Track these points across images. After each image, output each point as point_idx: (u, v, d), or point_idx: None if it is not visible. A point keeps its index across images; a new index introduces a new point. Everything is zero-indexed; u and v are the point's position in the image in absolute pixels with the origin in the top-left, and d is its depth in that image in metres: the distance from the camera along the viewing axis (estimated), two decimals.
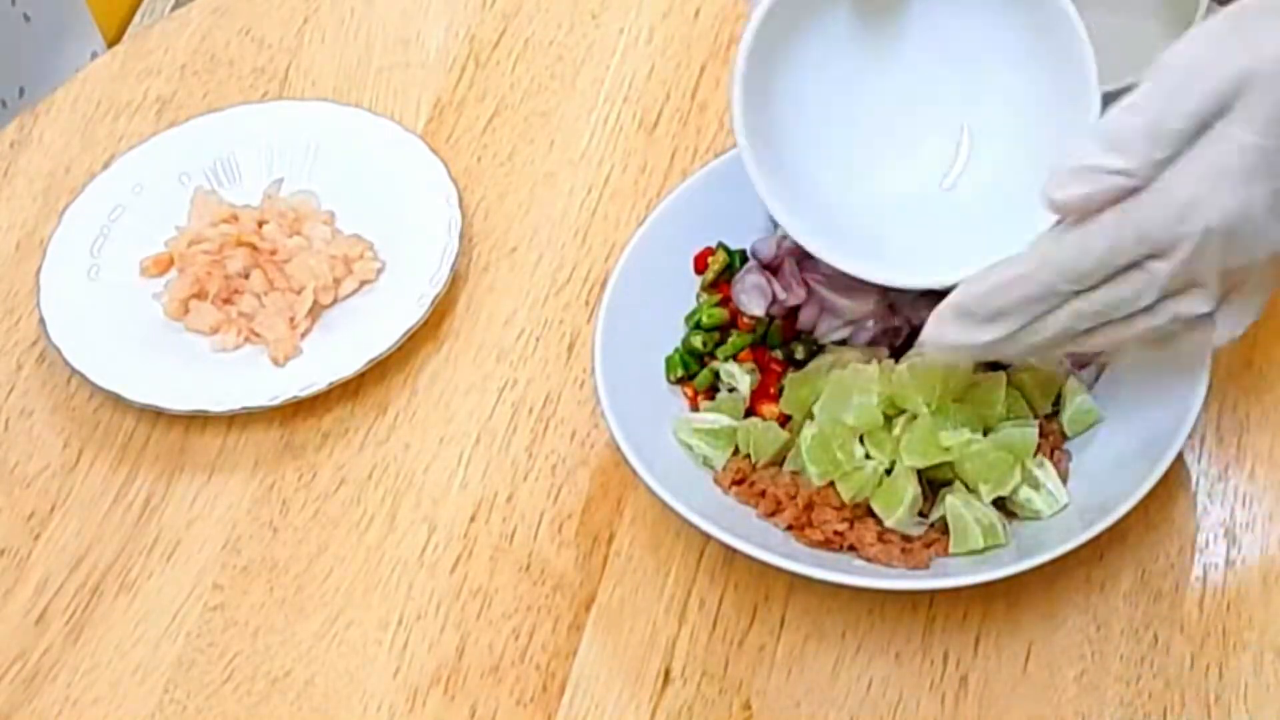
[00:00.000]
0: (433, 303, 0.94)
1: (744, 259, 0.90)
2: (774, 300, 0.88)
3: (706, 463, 0.85)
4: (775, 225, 0.91)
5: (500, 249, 0.99)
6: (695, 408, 0.87)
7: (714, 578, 0.85)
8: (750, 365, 0.87)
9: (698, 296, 0.91)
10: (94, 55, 1.91)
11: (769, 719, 0.81)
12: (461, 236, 0.96)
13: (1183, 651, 0.81)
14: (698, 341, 0.88)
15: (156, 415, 0.93)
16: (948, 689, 0.81)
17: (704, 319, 0.89)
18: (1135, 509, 0.79)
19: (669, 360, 0.89)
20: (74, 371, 0.93)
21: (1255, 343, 0.90)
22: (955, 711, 0.80)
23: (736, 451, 0.86)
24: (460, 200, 0.98)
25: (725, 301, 0.89)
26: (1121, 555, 0.84)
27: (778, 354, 0.88)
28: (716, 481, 0.85)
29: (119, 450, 0.93)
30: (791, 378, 0.86)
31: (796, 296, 0.87)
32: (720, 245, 0.91)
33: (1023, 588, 0.83)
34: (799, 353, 0.88)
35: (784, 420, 0.86)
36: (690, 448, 0.86)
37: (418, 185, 0.99)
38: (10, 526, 0.91)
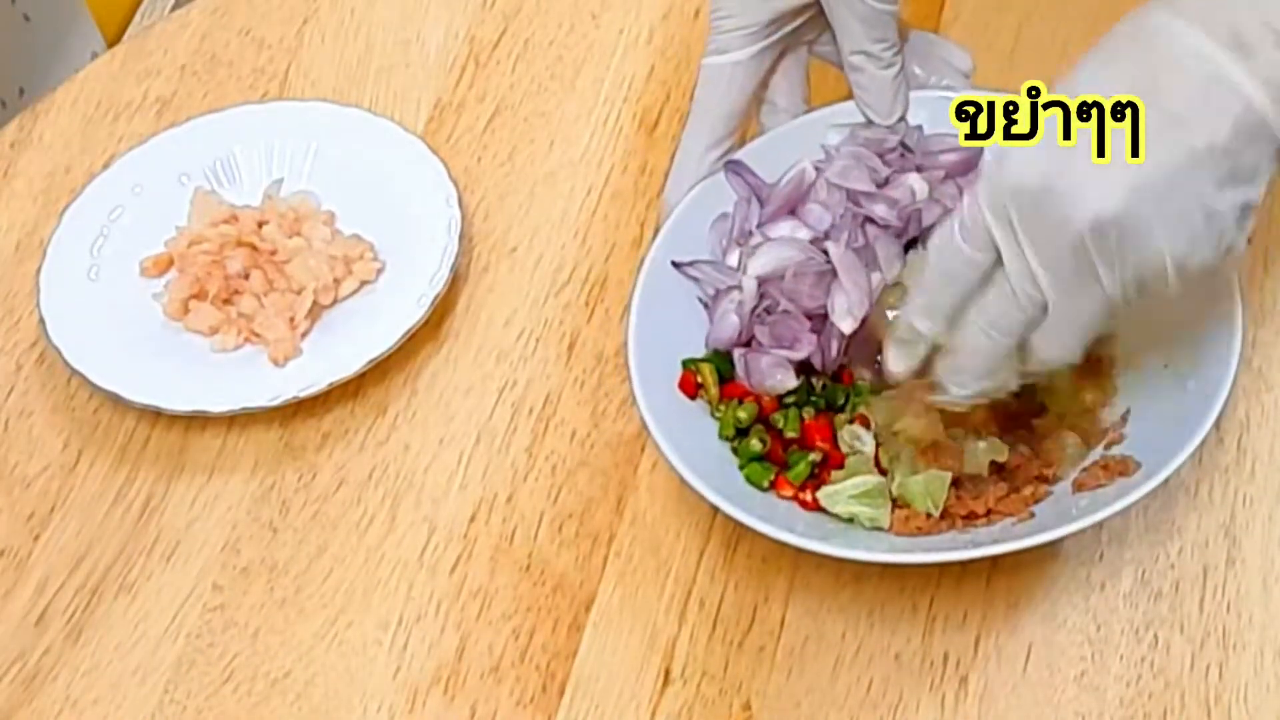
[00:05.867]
0: (433, 303, 0.94)
1: (725, 361, 0.87)
2: (796, 362, 0.86)
3: (874, 524, 0.82)
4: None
5: (500, 249, 0.99)
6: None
7: (714, 578, 0.85)
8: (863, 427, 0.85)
9: (714, 413, 0.87)
10: (94, 55, 1.91)
11: (769, 719, 0.81)
12: (461, 236, 0.96)
13: (1183, 651, 0.81)
14: (757, 448, 0.84)
15: (156, 415, 0.93)
16: (947, 690, 0.81)
17: (739, 424, 0.85)
18: (1135, 509, 0.79)
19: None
20: (74, 372, 0.93)
21: (1255, 343, 0.90)
22: (955, 712, 0.80)
23: (894, 504, 0.83)
24: (460, 200, 0.98)
25: (745, 397, 0.86)
26: (1121, 555, 0.84)
27: (864, 374, 0.86)
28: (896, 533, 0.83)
29: (119, 450, 0.93)
30: (877, 402, 0.85)
31: (809, 344, 0.86)
32: (692, 361, 0.87)
33: (1023, 588, 0.83)
34: (865, 376, 0.86)
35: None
36: (853, 519, 0.83)
37: (418, 185, 0.99)
38: (10, 526, 0.91)
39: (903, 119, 0.92)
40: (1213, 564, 0.83)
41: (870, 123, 0.91)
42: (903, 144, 0.91)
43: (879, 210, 0.88)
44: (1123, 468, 0.81)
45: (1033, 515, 0.81)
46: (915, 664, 0.82)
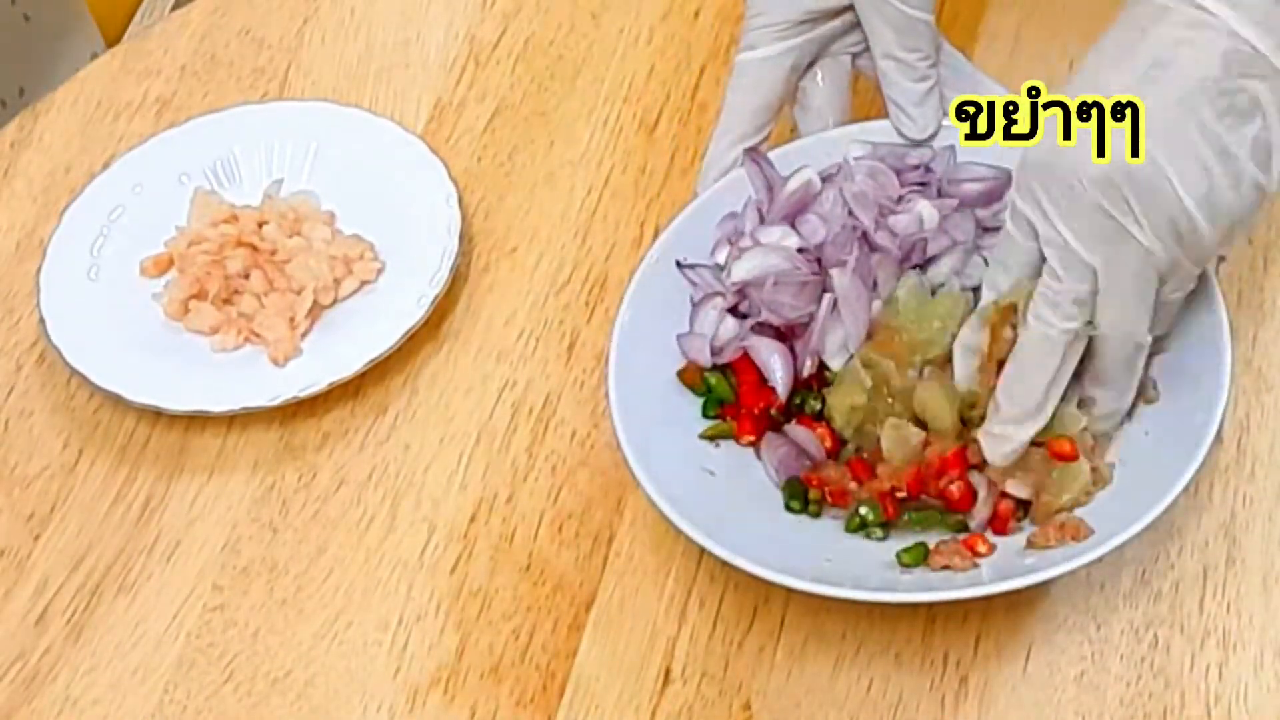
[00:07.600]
0: (433, 303, 0.94)
1: (723, 380, 0.87)
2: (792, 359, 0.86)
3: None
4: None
5: (500, 249, 0.99)
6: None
7: (714, 578, 0.85)
8: None
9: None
10: (94, 55, 1.91)
11: (769, 719, 0.81)
12: (461, 236, 0.96)
13: (1183, 651, 0.81)
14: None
15: (156, 415, 0.93)
16: (947, 690, 0.81)
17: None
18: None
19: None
20: (74, 372, 0.93)
21: (1255, 343, 0.90)
22: (955, 712, 0.80)
23: None
24: (460, 200, 0.98)
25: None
26: (1121, 555, 0.84)
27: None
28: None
29: (119, 450, 0.93)
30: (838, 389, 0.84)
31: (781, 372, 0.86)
32: (714, 407, 0.87)
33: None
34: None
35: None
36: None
37: (418, 185, 0.99)
38: (10, 526, 0.91)
39: (934, 135, 0.90)
40: (1213, 564, 0.83)
41: (904, 139, 0.90)
42: (926, 168, 0.89)
43: (881, 239, 0.86)
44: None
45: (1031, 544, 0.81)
46: (915, 664, 0.82)
